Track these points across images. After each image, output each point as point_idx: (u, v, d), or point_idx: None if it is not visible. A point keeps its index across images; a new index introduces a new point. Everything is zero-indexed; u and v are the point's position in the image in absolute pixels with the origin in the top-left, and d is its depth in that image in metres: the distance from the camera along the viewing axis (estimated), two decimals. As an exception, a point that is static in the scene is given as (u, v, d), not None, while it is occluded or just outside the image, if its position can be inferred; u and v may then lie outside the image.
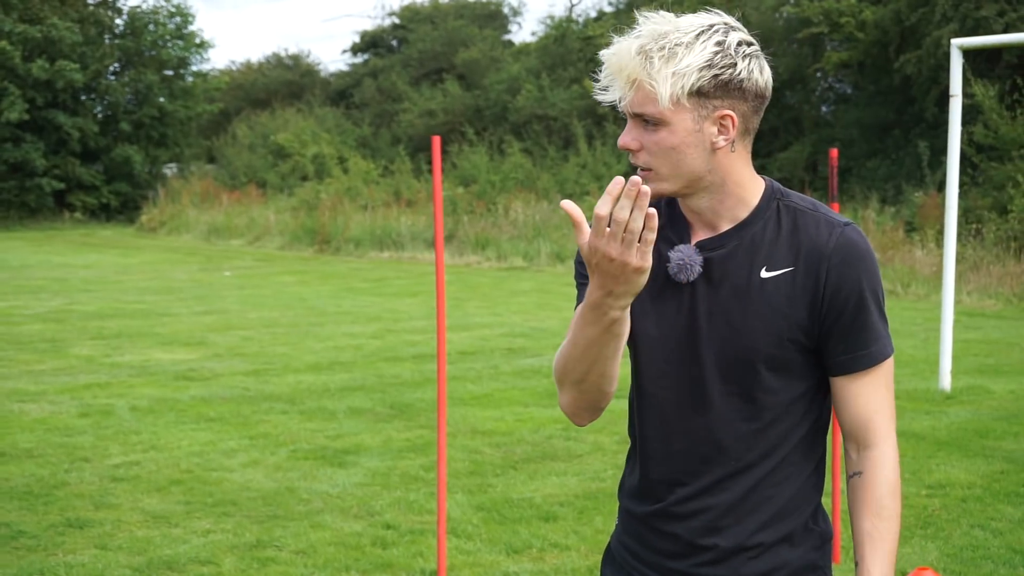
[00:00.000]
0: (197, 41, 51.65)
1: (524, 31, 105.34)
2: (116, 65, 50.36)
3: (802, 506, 2.65)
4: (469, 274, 24.21)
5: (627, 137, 2.52)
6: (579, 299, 2.64)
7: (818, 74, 36.10)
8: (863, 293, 2.54)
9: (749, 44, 2.50)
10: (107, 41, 50.04)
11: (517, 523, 7.27)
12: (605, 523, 7.22)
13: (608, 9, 47.61)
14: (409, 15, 59.22)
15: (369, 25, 73.20)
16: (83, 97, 49.83)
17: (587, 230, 2.32)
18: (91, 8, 50.53)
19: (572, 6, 48.38)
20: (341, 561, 6.56)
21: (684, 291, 2.59)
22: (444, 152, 39.17)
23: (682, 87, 2.43)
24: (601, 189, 31.45)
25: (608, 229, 2.28)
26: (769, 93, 2.55)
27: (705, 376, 2.60)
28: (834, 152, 7.11)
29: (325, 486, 8.14)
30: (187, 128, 51.22)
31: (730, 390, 2.59)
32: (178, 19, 51.31)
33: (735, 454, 2.60)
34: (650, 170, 2.51)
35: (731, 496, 2.61)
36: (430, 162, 38.27)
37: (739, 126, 2.50)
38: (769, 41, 35.62)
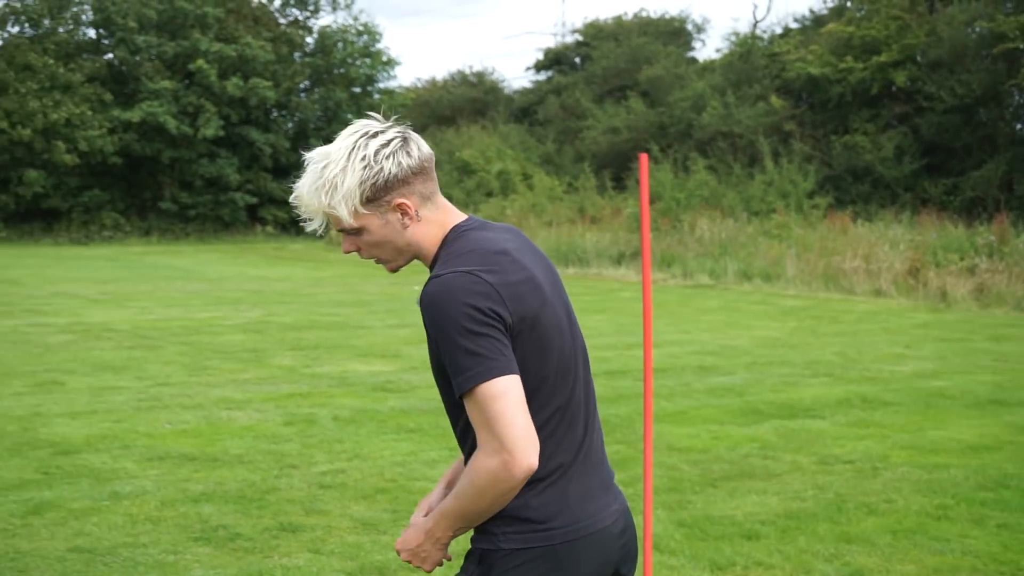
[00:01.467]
0: (384, 59, 52.66)
1: (708, 48, 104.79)
2: (306, 83, 51.62)
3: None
4: (655, 291, 24.19)
5: (346, 244, 3.23)
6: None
7: (1013, 90, 35.22)
8: (441, 331, 2.99)
9: (387, 143, 3.10)
10: (298, 59, 51.34)
11: (720, 540, 7.29)
12: (808, 543, 7.19)
13: (794, 25, 47.11)
14: (592, 32, 59.49)
15: (552, 42, 73.57)
16: (275, 114, 51.22)
17: None
18: (283, 28, 51.90)
19: (757, 22, 48.00)
20: None
21: None
22: (627, 170, 39.26)
23: (353, 205, 3.07)
24: (788, 207, 31.21)
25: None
26: (426, 161, 3.15)
27: None
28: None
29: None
30: (375, 145, 52.16)
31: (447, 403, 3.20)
32: (366, 37, 52.36)
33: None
34: (378, 259, 3.22)
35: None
36: (615, 179, 38.51)
37: (415, 202, 3.12)
38: (962, 56, 34.94)
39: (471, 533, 3.20)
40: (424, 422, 10.74)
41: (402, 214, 3.11)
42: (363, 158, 3.06)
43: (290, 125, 51.98)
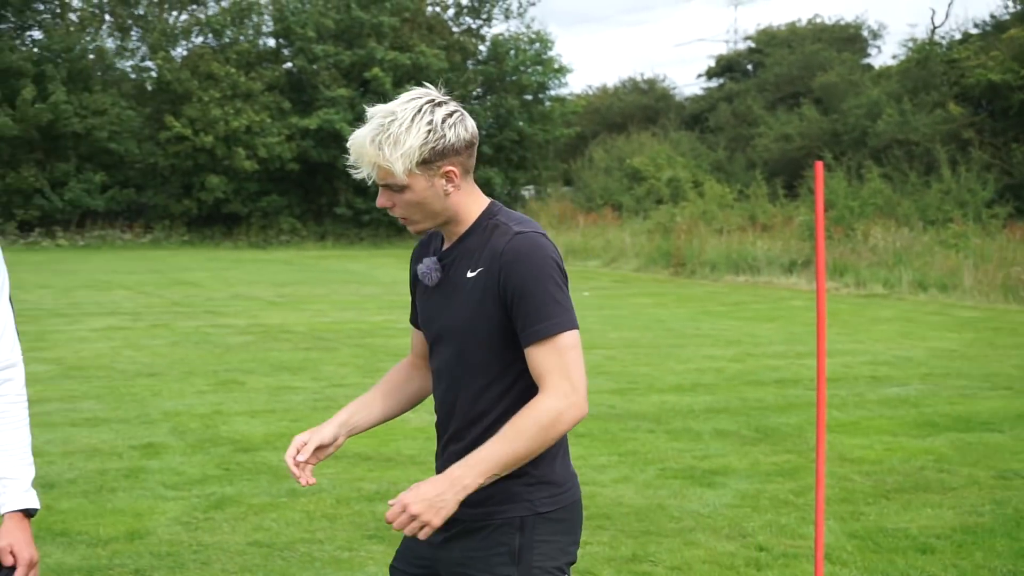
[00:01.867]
0: (556, 66, 52.73)
1: (884, 54, 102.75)
2: (479, 90, 51.95)
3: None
4: (827, 300, 23.85)
5: (382, 199, 3.40)
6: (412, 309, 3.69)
7: None
8: (531, 286, 3.27)
9: (451, 114, 3.33)
10: (470, 67, 51.68)
11: (893, 553, 7.18)
12: (985, 558, 7.05)
13: (974, 31, 45.94)
14: (765, 39, 58.87)
15: (724, 49, 72.99)
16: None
17: None
18: (457, 36, 52.35)
19: (935, 28, 46.92)
20: (717, 579, 6.66)
21: (435, 291, 3.50)
22: (799, 177, 38.74)
23: (410, 163, 3.26)
24: (965, 217, 30.48)
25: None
26: (476, 138, 3.42)
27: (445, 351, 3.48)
28: None
29: (695, 505, 8.24)
30: (545, 151, 52.37)
31: (460, 366, 3.43)
32: (538, 45, 52.48)
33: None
34: (407, 218, 3.40)
35: (464, 446, 3.38)
36: (786, 187, 38.04)
37: (460, 172, 3.36)
38: None
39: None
40: (594, 427, 10.77)
41: (447, 180, 3.35)
42: (429, 122, 3.28)
43: (462, 132, 52.46)
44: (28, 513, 3.61)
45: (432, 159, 3.29)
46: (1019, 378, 13.74)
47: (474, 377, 3.42)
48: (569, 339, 3.27)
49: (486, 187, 48.67)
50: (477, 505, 3.29)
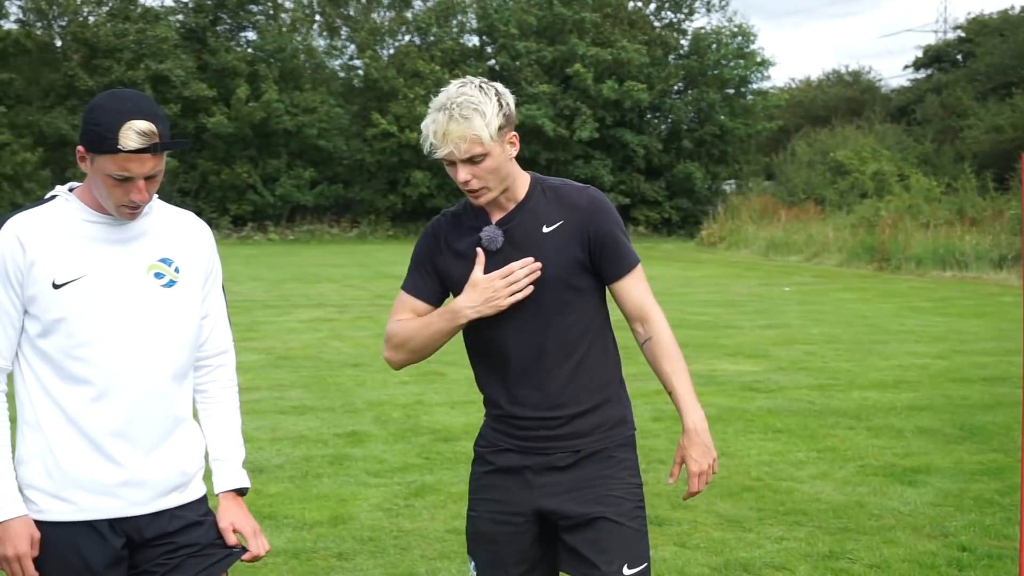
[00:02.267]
0: (758, 60, 52.16)
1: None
2: (680, 84, 51.67)
3: (610, 381, 3.99)
4: (1038, 296, 23.10)
5: (463, 174, 3.75)
6: (407, 281, 4.04)
7: None
8: (611, 227, 3.89)
9: (501, 90, 3.82)
10: (672, 61, 51.43)
11: (1102, 556, 6.93)
12: None
13: None
14: (976, 28, 57.16)
15: (932, 39, 71.10)
16: (648, 116, 51.50)
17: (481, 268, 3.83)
18: (658, 31, 52.16)
19: None
20: (916, 578, 6.52)
21: (498, 256, 3.86)
22: (1011, 170, 37.54)
23: (491, 131, 3.71)
24: None
25: (506, 280, 3.80)
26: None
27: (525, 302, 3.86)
28: None
29: (895, 503, 8.08)
30: (746, 145, 51.88)
31: (544, 311, 3.87)
32: (740, 39, 51.95)
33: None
34: (484, 188, 3.78)
35: (560, 382, 3.89)
36: (997, 179, 36.88)
37: (517, 140, 3.85)
38: None
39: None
40: (792, 423, 10.65)
41: (511, 145, 3.82)
42: (496, 93, 3.78)
43: (663, 127, 52.27)
44: (240, 492, 3.80)
45: (503, 126, 3.76)
46: None
47: (562, 315, 3.88)
48: (641, 269, 3.96)
49: (686, 181, 48.52)
50: (591, 433, 3.91)
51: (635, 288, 3.91)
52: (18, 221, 3.52)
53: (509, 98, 3.82)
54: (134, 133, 3.35)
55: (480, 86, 3.76)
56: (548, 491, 3.90)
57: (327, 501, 8.10)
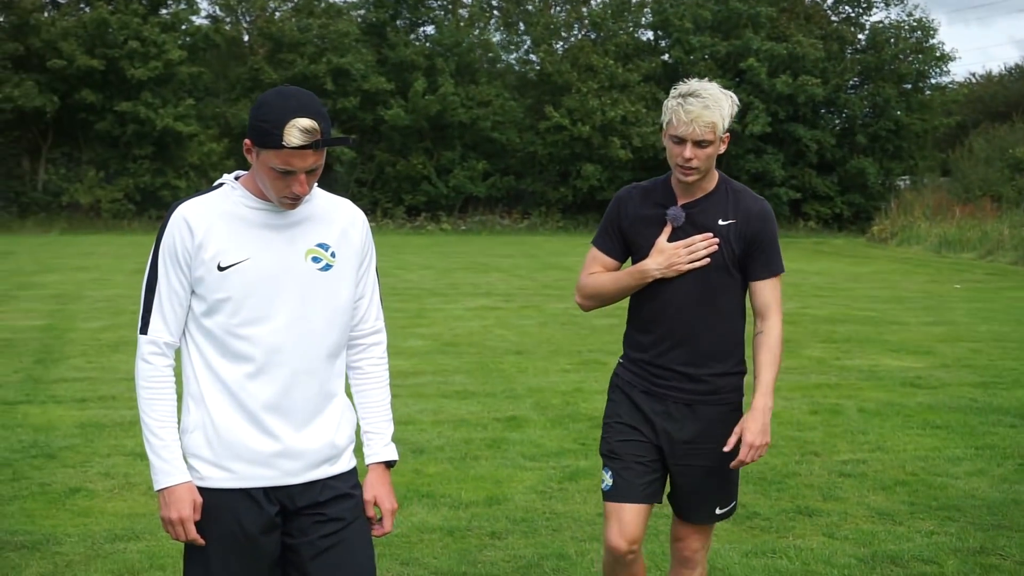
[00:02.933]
0: (937, 54, 50.97)
1: None
2: (855, 79, 50.79)
3: (737, 355, 4.81)
4: None
5: (688, 152, 4.50)
6: (599, 240, 4.86)
7: None
8: (770, 238, 4.69)
9: (733, 96, 4.58)
10: (848, 56, 50.58)
11: None
12: None
13: None
14: None
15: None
16: (822, 110, 50.77)
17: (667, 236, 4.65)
18: (835, 25, 51.35)
19: None
20: (1067, 577, 6.41)
21: (677, 232, 4.65)
22: None
23: (725, 124, 4.54)
24: None
25: (688, 250, 4.61)
26: None
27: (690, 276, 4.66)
28: None
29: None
30: (923, 141, 50.75)
31: (702, 289, 4.65)
32: (919, 33, 50.85)
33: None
34: (697, 168, 4.54)
35: (701, 349, 4.71)
36: None
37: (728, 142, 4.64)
38: None
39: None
40: (952, 419, 10.49)
41: (723, 143, 4.60)
42: (731, 99, 4.56)
43: (837, 122, 51.43)
44: (389, 464, 4.00)
45: (727, 127, 4.56)
46: None
47: (717, 294, 4.66)
48: (780, 279, 4.74)
49: (859, 176, 47.75)
50: (718, 391, 4.76)
51: (769, 291, 4.69)
52: (187, 207, 3.72)
53: (737, 106, 4.59)
54: (298, 131, 3.51)
55: (719, 89, 4.54)
56: (672, 431, 4.73)
57: (483, 482, 8.27)
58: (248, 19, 49.89)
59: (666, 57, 50.90)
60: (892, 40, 50.49)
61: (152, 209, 43.50)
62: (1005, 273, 28.28)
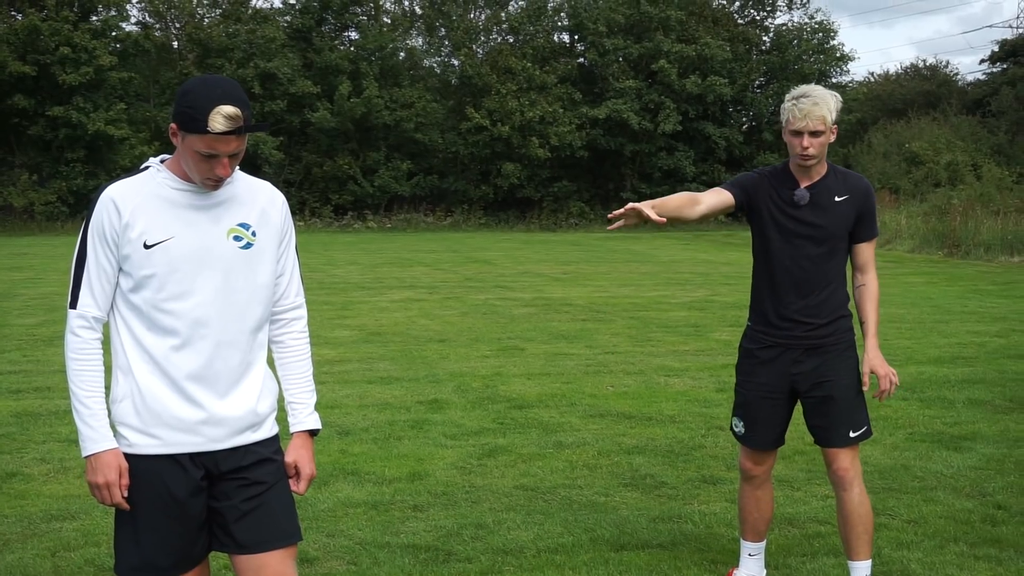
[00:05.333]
0: (838, 55, 51.66)
1: None
2: (761, 79, 51.33)
3: (845, 303, 5.46)
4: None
5: (806, 143, 5.21)
6: (731, 185, 5.49)
7: None
8: (873, 209, 5.46)
9: (838, 96, 5.30)
10: (754, 57, 51.10)
11: None
12: None
13: None
14: (1052, 23, 55.86)
15: (1010, 35, 69.75)
16: (730, 109, 51.24)
17: None
18: (741, 27, 51.83)
19: None
20: (950, 533, 6.59)
21: (805, 209, 5.35)
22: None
23: (831, 117, 5.23)
24: None
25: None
26: None
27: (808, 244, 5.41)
28: None
29: (939, 466, 8.14)
30: (825, 137, 51.25)
31: (821, 252, 5.38)
32: (820, 35, 51.50)
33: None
34: (813, 155, 5.25)
35: (820, 299, 5.41)
36: (1068, 168, 36.25)
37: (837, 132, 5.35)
38: None
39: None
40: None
41: (833, 134, 5.30)
42: (835, 97, 5.29)
43: (744, 120, 51.96)
44: (312, 433, 4.06)
45: (835, 119, 5.27)
46: None
47: (831, 258, 5.38)
48: (875, 241, 5.52)
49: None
50: (832, 335, 5.40)
51: (868, 251, 5.49)
52: (115, 189, 3.76)
53: (839, 104, 5.28)
54: (222, 117, 3.57)
55: (826, 89, 5.29)
56: (801, 371, 5.44)
57: (406, 460, 8.33)
58: (177, 25, 49.51)
59: (582, 59, 51.14)
60: (795, 42, 51.16)
61: (85, 210, 42.95)
62: (902, 260, 28.73)
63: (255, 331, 3.92)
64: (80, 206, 42.99)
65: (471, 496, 7.44)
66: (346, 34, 50.93)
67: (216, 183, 3.74)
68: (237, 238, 3.84)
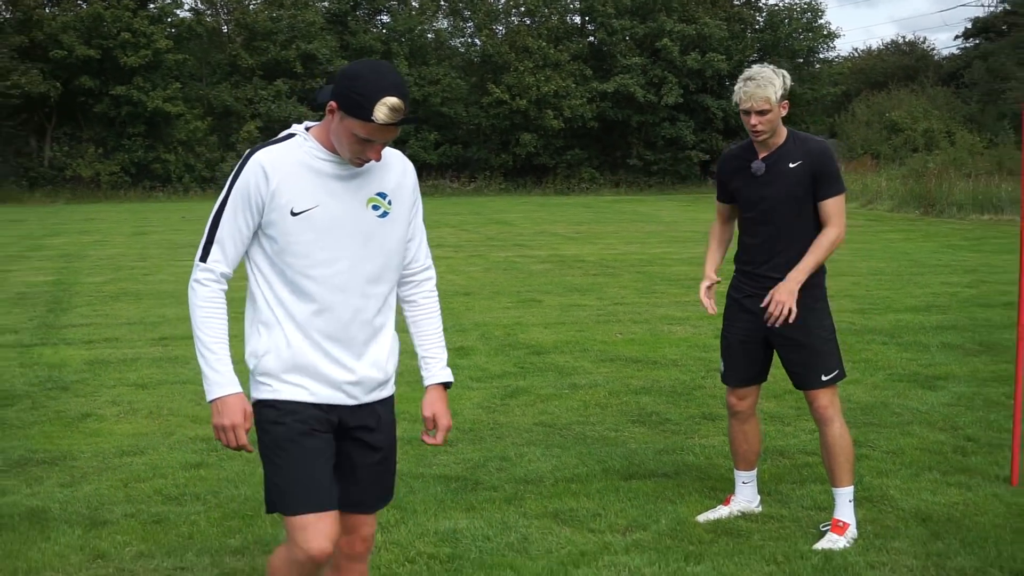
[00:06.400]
0: (825, 32, 51.32)
1: None
2: (755, 55, 50.99)
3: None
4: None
5: (755, 121, 5.24)
6: (717, 194, 5.76)
7: None
8: (829, 170, 5.34)
9: (785, 74, 5.32)
10: (748, 35, 50.76)
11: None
12: None
13: None
14: (1020, 1, 55.37)
15: (982, 13, 69.08)
16: (727, 83, 50.89)
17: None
18: (737, 8, 51.47)
19: None
20: (925, 462, 6.63)
21: (762, 178, 5.38)
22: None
23: (778, 96, 5.23)
24: None
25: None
26: None
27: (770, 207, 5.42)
28: None
29: (916, 403, 8.18)
30: (813, 108, 51.17)
31: (787, 227, 5.36)
32: (809, 14, 51.14)
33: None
34: (763, 131, 5.27)
35: (786, 260, 5.36)
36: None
37: (788, 108, 5.32)
38: None
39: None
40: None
41: (783, 109, 5.29)
42: (783, 76, 5.31)
43: (740, 93, 51.73)
44: (446, 386, 3.92)
45: (783, 97, 5.27)
46: None
47: (791, 223, 5.33)
48: (842, 198, 5.36)
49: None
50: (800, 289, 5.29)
51: (830, 207, 5.31)
52: (264, 154, 3.56)
53: (788, 81, 5.30)
54: (387, 109, 3.38)
55: (774, 69, 5.28)
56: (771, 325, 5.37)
57: (437, 400, 8.39)
58: (226, 11, 49.33)
59: (592, 39, 50.89)
60: (786, 21, 50.81)
61: (146, 180, 43.16)
62: (882, 219, 28.62)
63: (387, 295, 3.76)
64: (141, 176, 43.17)
65: (495, 432, 7.52)
66: (378, 18, 50.78)
67: (363, 162, 3.58)
68: (375, 207, 3.67)
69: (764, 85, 5.21)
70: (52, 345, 10.89)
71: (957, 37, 62.57)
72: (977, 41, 57.50)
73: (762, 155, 5.39)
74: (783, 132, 5.38)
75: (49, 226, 28.02)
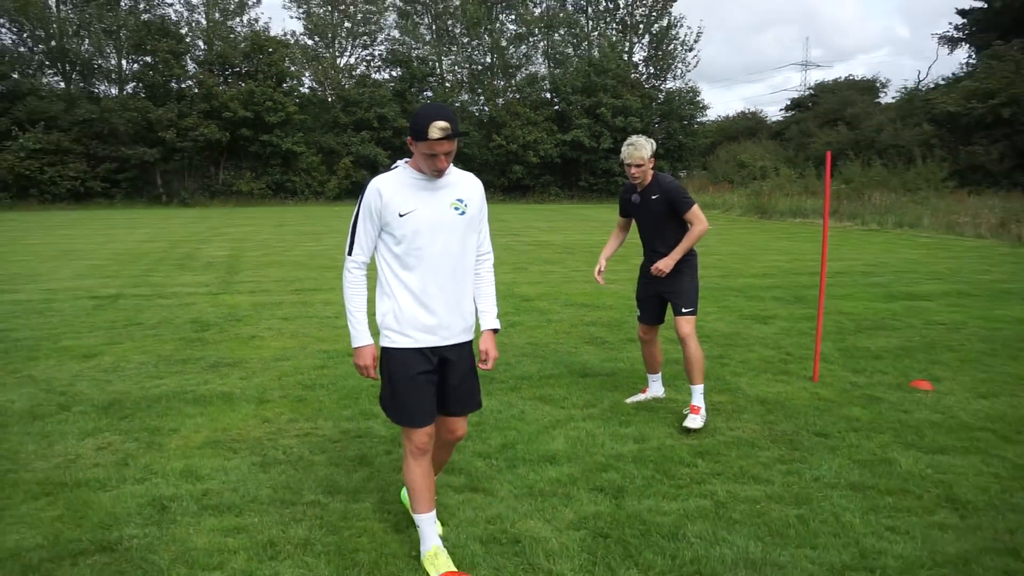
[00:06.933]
0: (701, 105, 50.34)
1: (887, 95, 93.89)
2: (658, 119, 50.13)
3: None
4: (840, 232, 22.54)
5: (635, 172, 5.10)
6: (620, 211, 5.43)
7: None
8: (678, 196, 5.10)
9: (652, 142, 5.05)
10: (654, 106, 49.72)
11: (860, 359, 7.03)
12: (912, 363, 6.85)
13: (941, 83, 41.71)
14: (820, 87, 54.66)
15: (796, 95, 68.22)
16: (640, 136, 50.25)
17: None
18: (647, 89, 50.23)
19: (919, 81, 42.93)
20: (762, 368, 6.63)
21: (639, 206, 5.24)
22: (834, 165, 36.38)
23: (647, 155, 5.06)
24: (928, 186, 28.13)
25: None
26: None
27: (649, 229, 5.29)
28: (828, 154, 6.36)
29: (756, 332, 8.18)
30: (693, 151, 50.22)
31: (659, 231, 5.23)
32: (691, 94, 50.15)
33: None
34: (638, 178, 5.12)
35: (666, 247, 5.26)
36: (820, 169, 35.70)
37: (655, 162, 5.17)
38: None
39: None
40: (706, 295, 10.61)
41: (650, 164, 5.13)
42: (651, 143, 5.11)
43: (647, 142, 51.21)
44: (495, 331, 3.64)
45: (651, 155, 5.10)
46: (947, 274, 12.94)
47: (663, 228, 5.21)
48: (696, 207, 5.10)
49: (662, 170, 47.23)
50: (676, 265, 5.19)
51: (688, 216, 5.11)
52: (379, 180, 3.42)
53: (654, 146, 5.11)
54: (437, 129, 3.22)
55: (646, 139, 5.11)
56: (660, 283, 5.32)
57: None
58: (330, 88, 48.79)
59: (557, 107, 50.39)
60: (676, 97, 50.28)
61: (282, 193, 42.78)
62: (735, 221, 28.32)
63: (467, 269, 3.50)
64: (279, 191, 42.79)
65: (502, 348, 7.53)
66: (425, 92, 50.16)
67: (439, 173, 3.34)
68: (456, 208, 3.44)
69: (640, 148, 5.03)
70: (230, 294, 10.90)
71: (781, 110, 62.14)
72: (793, 112, 57.05)
73: (639, 191, 5.27)
74: (650, 175, 5.21)
75: (225, 221, 27.87)
